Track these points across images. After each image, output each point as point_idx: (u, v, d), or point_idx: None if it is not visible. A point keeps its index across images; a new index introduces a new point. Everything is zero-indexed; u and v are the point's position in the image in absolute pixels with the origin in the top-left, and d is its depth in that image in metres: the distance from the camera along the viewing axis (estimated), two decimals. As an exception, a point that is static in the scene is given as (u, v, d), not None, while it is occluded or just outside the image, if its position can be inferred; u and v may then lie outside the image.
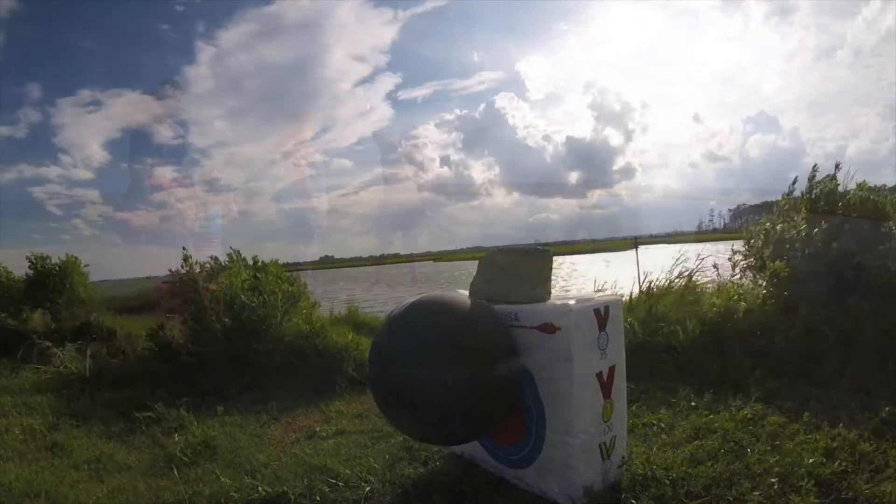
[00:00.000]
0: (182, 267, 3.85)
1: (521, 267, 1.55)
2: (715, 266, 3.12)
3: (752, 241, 2.75)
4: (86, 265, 5.50)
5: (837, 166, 2.55)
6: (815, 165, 2.61)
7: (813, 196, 2.50)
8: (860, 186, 2.44)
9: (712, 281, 3.14)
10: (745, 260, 2.80)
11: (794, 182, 2.65)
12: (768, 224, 2.66)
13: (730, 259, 2.95)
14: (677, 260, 3.17)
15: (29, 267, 5.16)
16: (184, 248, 3.94)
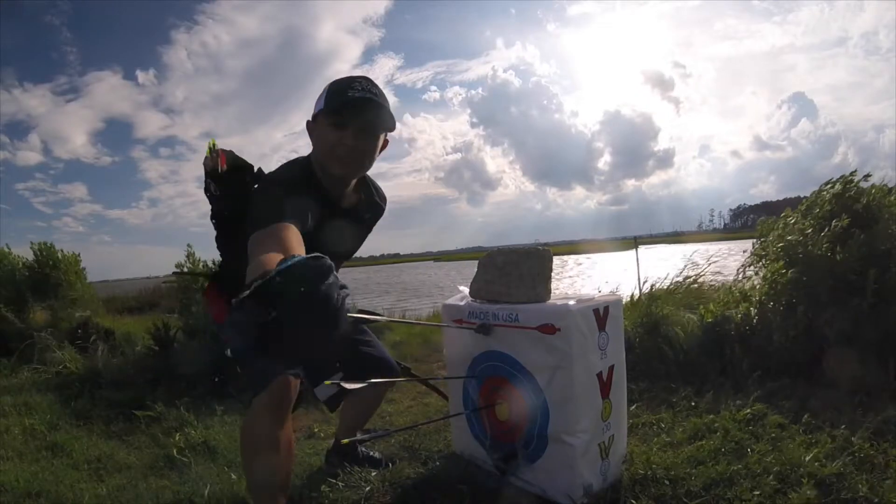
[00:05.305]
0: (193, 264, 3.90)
1: (521, 267, 1.55)
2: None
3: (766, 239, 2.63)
4: (83, 266, 5.43)
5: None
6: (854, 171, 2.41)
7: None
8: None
9: (719, 281, 3.13)
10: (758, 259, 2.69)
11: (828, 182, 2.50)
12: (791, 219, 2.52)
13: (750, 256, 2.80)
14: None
15: (34, 258, 5.07)
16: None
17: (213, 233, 1.40)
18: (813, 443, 1.61)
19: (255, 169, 1.35)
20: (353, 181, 1.34)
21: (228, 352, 1.16)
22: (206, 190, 1.29)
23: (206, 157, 1.23)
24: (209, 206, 1.35)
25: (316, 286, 0.62)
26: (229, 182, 1.29)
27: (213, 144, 1.21)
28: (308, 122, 1.30)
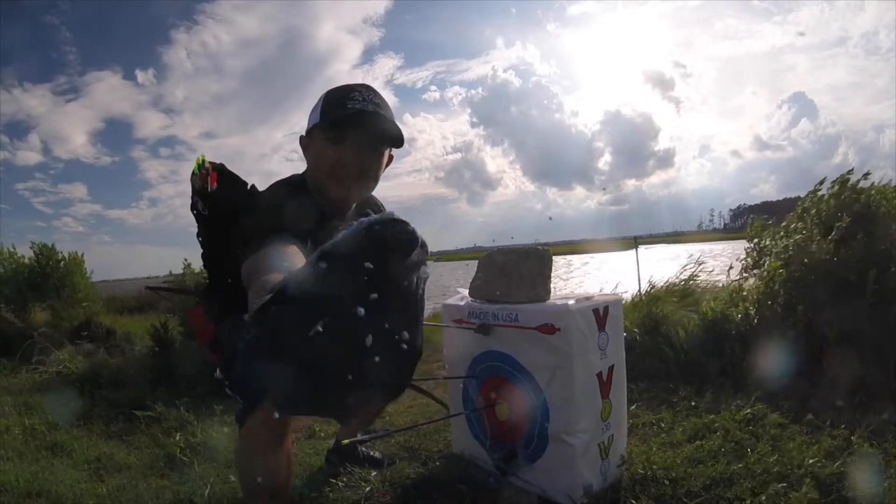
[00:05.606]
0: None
1: (520, 267, 1.55)
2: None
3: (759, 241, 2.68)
4: (91, 271, 5.45)
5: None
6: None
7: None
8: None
9: (719, 281, 3.13)
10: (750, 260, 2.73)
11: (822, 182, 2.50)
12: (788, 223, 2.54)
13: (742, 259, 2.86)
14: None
15: (33, 257, 5.07)
16: None
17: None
18: (813, 443, 1.61)
19: (249, 186, 1.24)
20: (355, 204, 1.21)
21: (217, 372, 1.09)
22: (193, 208, 1.19)
23: (193, 175, 1.12)
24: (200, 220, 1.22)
25: (390, 263, 0.40)
26: (219, 200, 1.17)
27: (203, 161, 1.10)
28: (301, 137, 1.16)
